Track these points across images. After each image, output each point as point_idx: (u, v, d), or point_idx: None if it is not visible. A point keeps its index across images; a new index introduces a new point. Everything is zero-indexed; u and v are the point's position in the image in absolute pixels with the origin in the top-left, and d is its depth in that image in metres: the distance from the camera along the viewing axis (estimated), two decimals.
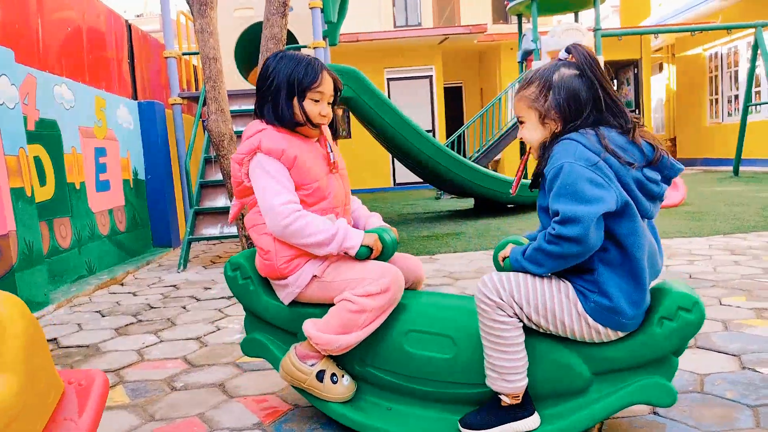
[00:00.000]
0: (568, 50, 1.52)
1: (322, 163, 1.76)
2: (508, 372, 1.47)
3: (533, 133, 1.53)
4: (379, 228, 1.77)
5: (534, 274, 1.48)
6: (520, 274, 1.50)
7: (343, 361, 1.72)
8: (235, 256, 1.85)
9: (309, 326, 1.64)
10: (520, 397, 1.50)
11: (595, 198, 1.35)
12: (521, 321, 1.48)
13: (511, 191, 1.68)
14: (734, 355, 2.10)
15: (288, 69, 1.70)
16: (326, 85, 1.74)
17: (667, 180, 1.49)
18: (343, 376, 1.69)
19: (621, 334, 1.47)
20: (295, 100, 1.71)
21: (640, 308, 1.44)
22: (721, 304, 2.75)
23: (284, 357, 1.71)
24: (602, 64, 8.20)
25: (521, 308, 1.46)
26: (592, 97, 1.45)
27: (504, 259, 1.56)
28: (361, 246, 1.67)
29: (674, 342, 1.44)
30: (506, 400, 1.50)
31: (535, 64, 8.95)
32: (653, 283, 1.52)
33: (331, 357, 1.70)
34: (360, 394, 1.72)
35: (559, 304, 1.45)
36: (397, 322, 1.67)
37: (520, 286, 1.47)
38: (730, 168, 11.06)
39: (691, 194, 7.61)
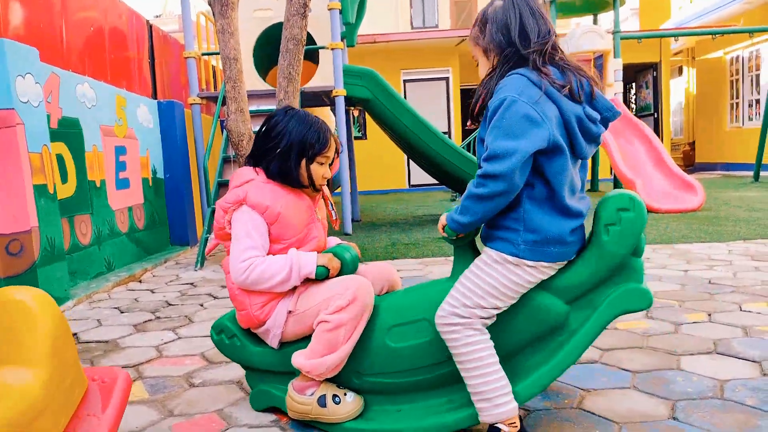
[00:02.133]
0: None
1: (304, 215, 1.81)
2: (496, 395, 1.47)
3: (483, 69, 1.58)
4: (335, 247, 1.84)
5: (459, 223, 1.50)
6: (456, 284, 1.54)
7: (341, 380, 1.75)
8: (216, 320, 1.93)
9: (297, 357, 1.68)
10: (518, 426, 1.50)
11: (524, 135, 1.38)
12: (489, 320, 1.51)
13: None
14: (755, 362, 2.08)
15: (301, 131, 1.78)
16: (332, 149, 1.83)
17: (605, 122, 1.52)
18: (345, 394, 1.71)
19: (562, 263, 1.51)
20: (304, 163, 1.78)
21: (571, 235, 1.47)
22: (741, 310, 2.72)
23: (286, 397, 1.75)
24: (620, 67, 8.10)
25: (482, 308, 1.49)
26: (522, 25, 1.48)
27: (444, 228, 1.58)
28: (318, 267, 1.72)
29: (626, 243, 1.48)
30: (504, 431, 1.49)
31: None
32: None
33: (329, 380, 1.73)
34: (367, 406, 1.75)
35: (498, 274, 1.48)
36: (376, 325, 1.71)
37: (463, 291, 1.51)
38: (751, 173, 10.91)
39: (711, 199, 7.53)
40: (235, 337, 1.88)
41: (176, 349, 2.61)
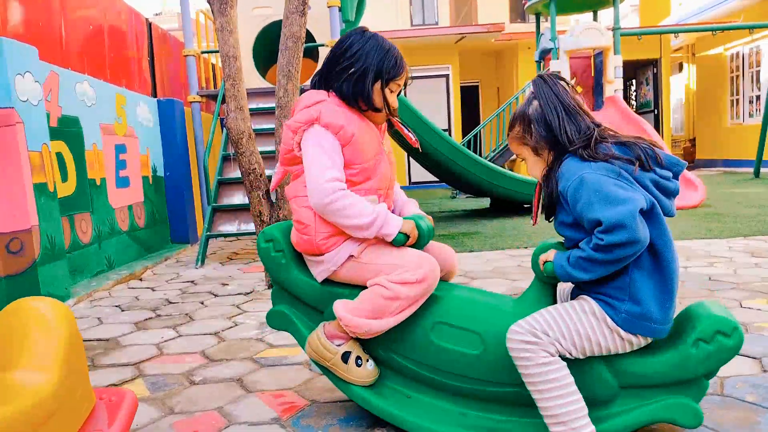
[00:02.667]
0: (534, 83, 1.55)
1: (374, 144, 1.74)
2: (573, 417, 1.40)
3: (535, 166, 1.57)
4: (415, 215, 1.76)
5: (563, 313, 1.45)
6: (543, 310, 1.47)
7: (367, 344, 1.71)
8: (268, 227, 1.83)
9: (340, 307, 1.63)
10: None
11: (628, 198, 1.34)
12: (563, 357, 1.45)
13: (532, 222, 1.67)
14: (755, 358, 2.08)
15: (379, 55, 1.71)
16: (404, 78, 1.78)
17: (676, 176, 1.49)
18: (367, 360, 1.69)
19: (650, 340, 1.46)
20: (378, 86, 1.71)
21: (669, 312, 1.43)
22: (741, 306, 2.72)
23: (312, 333, 1.71)
24: (620, 64, 8.08)
25: (559, 344, 1.42)
26: (562, 122, 1.48)
27: (545, 262, 1.51)
28: (399, 233, 1.66)
29: (708, 365, 1.43)
30: None
31: (553, 64, 8.90)
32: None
33: (357, 340, 1.69)
34: (381, 380, 1.72)
35: (590, 326, 1.43)
36: (426, 312, 1.65)
37: (549, 321, 1.44)
38: (751, 169, 10.90)
39: (711, 195, 7.52)
40: (282, 253, 1.80)
41: (177, 347, 2.61)
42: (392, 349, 1.70)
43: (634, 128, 8.09)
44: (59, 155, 4.01)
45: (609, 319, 1.42)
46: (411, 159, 12.04)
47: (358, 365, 1.67)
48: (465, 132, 14.14)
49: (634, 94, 15.74)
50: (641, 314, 1.40)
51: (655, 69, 14.29)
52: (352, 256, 1.68)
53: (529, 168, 1.59)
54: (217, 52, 5.74)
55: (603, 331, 1.43)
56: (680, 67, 16.49)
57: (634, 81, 15.62)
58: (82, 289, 3.87)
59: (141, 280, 4.38)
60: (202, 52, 6.31)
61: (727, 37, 12.61)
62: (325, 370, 1.73)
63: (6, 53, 3.22)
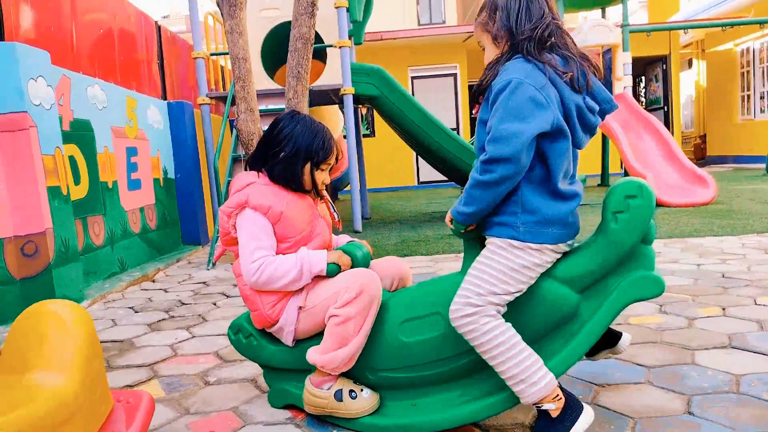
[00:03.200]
0: None
1: (306, 214, 1.83)
2: (530, 373, 1.46)
3: (490, 55, 1.59)
4: (346, 244, 1.86)
5: (464, 214, 1.51)
6: (467, 276, 1.54)
7: (356, 376, 1.77)
8: (234, 320, 1.96)
9: (311, 353, 1.70)
10: (562, 397, 1.49)
11: (529, 116, 1.38)
12: (502, 307, 1.51)
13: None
14: None
15: (308, 138, 1.81)
16: (334, 156, 1.87)
17: (603, 114, 1.54)
18: (362, 390, 1.73)
19: (564, 247, 1.52)
20: (307, 168, 1.81)
21: (571, 217, 1.49)
22: (756, 303, 2.70)
23: (303, 392, 1.77)
24: (629, 61, 8.05)
25: (495, 294, 1.49)
26: (525, 13, 1.50)
27: (451, 221, 1.59)
28: (329, 264, 1.75)
29: (635, 230, 1.47)
30: (551, 408, 1.48)
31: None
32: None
33: (345, 376, 1.75)
34: (382, 402, 1.76)
35: (505, 260, 1.49)
36: (387, 320, 1.72)
37: (474, 281, 1.51)
38: (763, 165, 10.81)
39: (723, 192, 7.47)
40: (252, 337, 1.91)
41: (190, 348, 2.63)
42: (377, 368, 1.75)
43: (644, 125, 8.05)
44: (72, 158, 4.04)
45: (513, 241, 1.48)
46: (420, 159, 12.03)
47: (353, 398, 1.71)
48: (473, 131, 14.10)
49: (644, 91, 15.65)
50: (538, 222, 1.47)
51: (664, 65, 14.20)
52: (300, 307, 1.76)
53: (486, 56, 1.61)
54: (226, 54, 5.77)
55: (516, 255, 1.48)
56: (690, 63, 16.37)
57: (643, 78, 15.52)
58: (96, 291, 3.90)
59: (153, 281, 4.41)
60: (211, 54, 6.34)
61: (737, 32, 12.51)
62: (333, 419, 1.75)
63: (19, 58, 3.26)
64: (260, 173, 1.85)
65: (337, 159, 1.90)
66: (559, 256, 1.54)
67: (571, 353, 1.53)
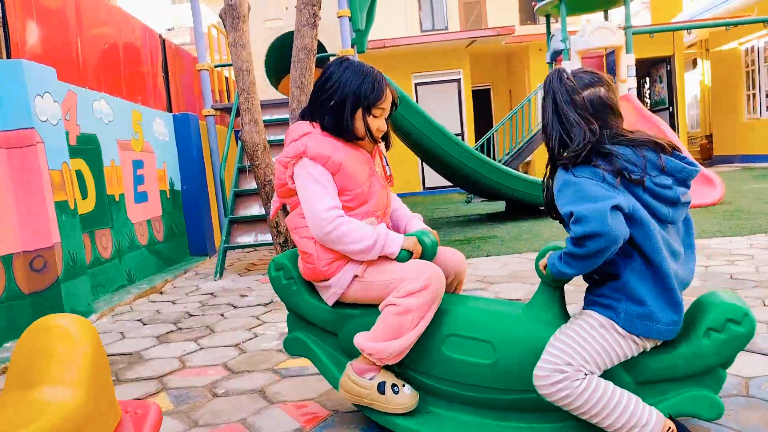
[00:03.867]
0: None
1: (365, 169, 1.77)
2: (638, 417, 1.39)
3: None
4: (419, 231, 1.79)
5: (579, 334, 1.45)
6: (553, 341, 1.46)
7: (386, 366, 1.71)
8: (278, 256, 1.89)
9: (360, 339, 1.65)
10: (671, 424, 1.43)
11: (601, 195, 1.37)
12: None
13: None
14: None
15: (355, 82, 1.72)
16: (388, 100, 1.77)
17: (683, 182, 1.46)
18: (404, 386, 1.68)
19: (659, 342, 1.45)
20: (359, 114, 1.73)
21: (674, 313, 1.41)
22: (765, 305, 2.69)
23: (342, 377, 1.72)
24: (633, 62, 8.01)
25: (586, 368, 1.42)
26: (555, 133, 1.49)
27: (545, 267, 1.54)
28: (401, 250, 1.69)
29: (722, 355, 1.41)
30: None
31: (565, 65, 8.87)
32: (689, 294, 1.51)
33: (388, 368, 1.70)
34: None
35: (603, 340, 1.42)
36: (437, 326, 1.67)
37: (565, 350, 1.43)
38: None
39: (730, 192, 7.43)
40: (293, 280, 1.85)
41: (199, 360, 2.64)
42: (406, 365, 1.71)
43: (649, 127, 8.02)
44: (79, 173, 4.08)
45: (616, 325, 1.42)
46: (425, 165, 12.04)
47: (396, 393, 1.66)
48: (478, 136, 14.12)
49: (649, 92, 15.61)
50: (642, 314, 1.40)
51: (668, 66, 14.17)
52: (356, 276, 1.71)
53: None
54: (230, 65, 5.81)
55: (616, 339, 1.42)
56: (694, 63, 16.32)
57: (647, 79, 15.49)
58: (104, 304, 3.93)
59: (161, 293, 4.43)
60: (216, 66, 6.39)
61: (741, 31, 12.47)
62: (365, 409, 1.72)
63: (25, 75, 3.30)
64: (314, 124, 1.77)
65: (394, 105, 1.81)
66: (654, 346, 1.46)
67: None
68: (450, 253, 1.86)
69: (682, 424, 1.47)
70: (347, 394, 1.71)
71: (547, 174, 1.57)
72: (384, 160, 1.88)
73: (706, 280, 3.24)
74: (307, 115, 1.81)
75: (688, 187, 1.48)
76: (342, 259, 1.72)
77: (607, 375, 1.47)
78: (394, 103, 1.81)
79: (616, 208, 1.35)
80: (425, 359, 1.69)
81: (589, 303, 1.51)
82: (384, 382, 1.66)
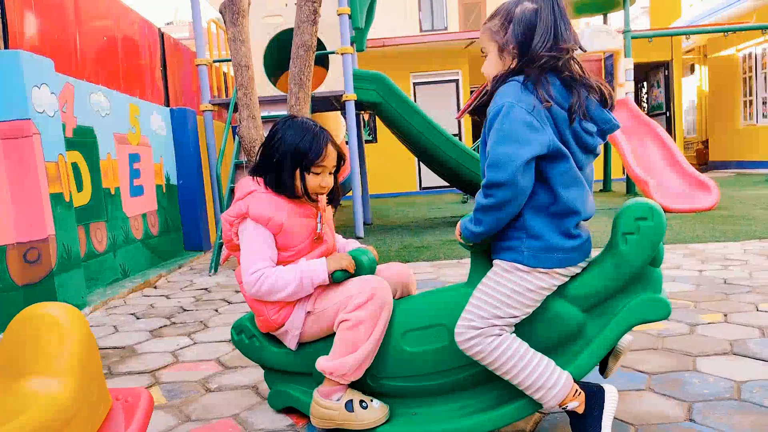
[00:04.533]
0: None
1: (308, 223, 1.81)
2: (546, 377, 1.46)
3: (491, 65, 1.55)
4: (355, 250, 1.85)
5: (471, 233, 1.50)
6: (470, 299, 1.53)
7: (356, 384, 1.74)
8: (237, 320, 1.96)
9: (320, 361, 1.69)
10: (581, 391, 1.49)
11: (523, 140, 1.38)
12: (511, 328, 1.51)
13: (456, 115, 1.69)
14: None
15: (295, 140, 1.76)
16: (329, 158, 1.80)
17: (603, 134, 1.52)
18: (372, 400, 1.71)
19: (574, 270, 1.51)
20: (298, 173, 1.77)
21: (578, 239, 1.47)
22: (757, 310, 2.70)
23: (311, 405, 1.74)
24: (631, 67, 8.04)
25: (498, 317, 1.48)
26: (549, 36, 1.45)
27: (460, 235, 1.58)
28: (336, 271, 1.73)
29: (644, 253, 1.46)
30: (576, 405, 1.49)
31: None
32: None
33: (354, 387, 1.73)
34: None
35: (510, 283, 1.48)
36: (393, 328, 1.72)
37: (478, 305, 1.50)
38: (765, 171, 10.80)
39: (725, 198, 7.46)
40: (255, 338, 1.91)
41: (192, 355, 2.64)
42: (378, 376, 1.74)
43: (646, 131, 8.05)
44: (75, 165, 4.06)
45: (518, 265, 1.47)
46: (422, 164, 12.05)
47: (364, 408, 1.69)
48: (475, 136, 14.13)
49: (646, 96, 15.65)
50: (543, 247, 1.45)
51: (666, 71, 14.21)
52: (308, 312, 1.75)
53: (485, 65, 1.56)
54: (229, 60, 5.80)
55: (522, 278, 1.47)
56: (692, 69, 16.38)
57: (645, 83, 15.53)
58: (98, 297, 3.91)
59: (155, 287, 4.42)
60: (214, 61, 6.37)
61: (739, 37, 12.52)
62: None
63: (23, 66, 3.28)
64: (259, 180, 1.82)
65: (340, 162, 1.84)
66: (567, 278, 1.52)
67: (576, 372, 1.53)
68: (393, 267, 1.93)
69: (592, 385, 1.52)
70: (318, 419, 1.73)
71: (502, 77, 1.51)
72: (319, 218, 1.86)
73: (700, 284, 3.26)
74: (254, 171, 1.86)
75: (605, 140, 1.53)
76: (288, 304, 1.77)
77: (555, 317, 1.53)
78: (341, 158, 1.85)
79: (532, 159, 1.39)
80: (392, 363, 1.72)
81: (495, 251, 1.55)
82: (351, 400, 1.69)
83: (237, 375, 2.33)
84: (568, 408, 1.49)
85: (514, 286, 1.48)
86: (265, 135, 4.64)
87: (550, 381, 1.46)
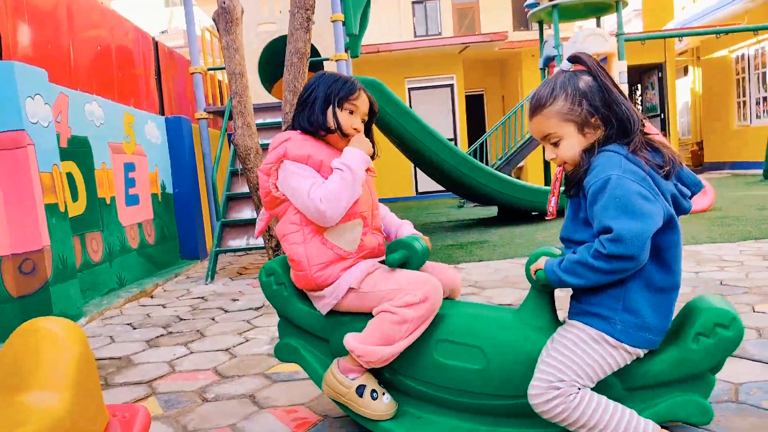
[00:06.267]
0: (572, 59, 1.49)
1: None
2: (634, 426, 1.38)
3: (574, 147, 1.45)
4: (409, 237, 1.78)
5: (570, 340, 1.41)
6: (545, 357, 1.43)
7: (375, 369, 1.71)
8: (269, 261, 1.88)
9: (350, 339, 1.64)
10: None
11: (646, 214, 1.29)
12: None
13: (548, 214, 1.65)
14: None
15: (328, 82, 1.79)
16: (362, 100, 1.80)
17: (691, 196, 1.47)
18: (384, 394, 1.69)
19: (647, 351, 1.44)
20: (330, 109, 1.76)
21: (665, 322, 1.41)
22: (754, 311, 2.70)
23: (327, 371, 1.73)
24: (625, 69, 8.06)
25: (579, 383, 1.40)
26: (610, 102, 1.42)
27: (537, 271, 1.49)
28: (389, 255, 1.70)
29: (711, 359, 1.41)
30: None
31: (558, 71, 8.89)
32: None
33: (372, 374, 1.71)
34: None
35: (596, 353, 1.40)
36: (429, 331, 1.66)
37: (558, 366, 1.40)
38: (760, 171, 10.84)
39: (720, 199, 7.48)
40: (284, 286, 1.83)
41: (189, 364, 2.62)
42: (397, 370, 1.71)
43: None
44: (69, 175, 4.05)
45: (608, 337, 1.39)
46: (418, 170, 12.06)
47: (374, 398, 1.67)
48: (471, 141, 14.16)
49: (640, 98, 15.72)
50: (637, 324, 1.38)
51: (660, 73, 14.27)
52: (352, 288, 1.70)
53: (562, 149, 1.46)
54: (223, 68, 5.80)
55: (608, 351, 1.40)
56: (685, 71, 16.45)
57: (639, 85, 15.60)
58: (94, 307, 3.89)
59: (152, 297, 4.41)
60: (209, 69, 6.37)
61: (732, 39, 12.59)
62: (345, 408, 1.73)
63: (16, 76, 3.28)
64: (294, 130, 1.81)
65: (372, 112, 1.84)
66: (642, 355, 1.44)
67: None
68: (446, 271, 1.86)
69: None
70: (328, 388, 1.72)
71: (592, 150, 1.42)
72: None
73: (697, 285, 3.26)
74: (292, 125, 1.85)
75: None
76: (334, 264, 1.71)
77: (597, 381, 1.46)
78: (372, 111, 1.84)
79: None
80: (417, 364, 1.68)
81: (579, 313, 1.46)
82: (364, 386, 1.67)
83: (234, 384, 2.32)
84: None
85: (599, 359, 1.40)
86: (261, 142, 4.64)
87: (639, 429, 1.38)
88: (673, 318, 1.45)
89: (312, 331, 1.83)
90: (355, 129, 1.79)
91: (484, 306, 1.76)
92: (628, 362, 1.43)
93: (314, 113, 1.76)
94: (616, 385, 1.48)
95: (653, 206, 1.32)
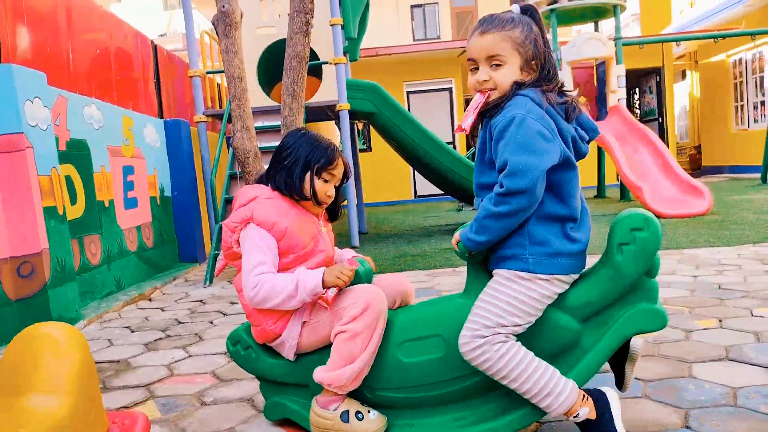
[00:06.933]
0: (523, 10, 1.56)
1: (311, 230, 1.83)
2: (553, 384, 1.47)
3: (511, 76, 1.51)
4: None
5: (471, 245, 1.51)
6: (473, 308, 1.53)
7: (354, 394, 1.74)
8: (233, 331, 1.95)
9: (318, 372, 1.69)
10: (588, 398, 1.50)
11: (543, 150, 1.40)
12: (513, 338, 1.51)
13: (456, 128, 1.67)
14: None
15: (309, 147, 1.83)
16: (339, 168, 1.86)
17: (589, 141, 1.58)
18: (369, 412, 1.71)
19: (573, 277, 1.52)
20: (308, 176, 1.80)
21: (579, 244, 1.49)
22: (752, 315, 2.70)
23: (310, 413, 1.75)
24: (623, 73, 8.13)
25: (503, 326, 1.48)
26: (548, 54, 1.54)
27: (458, 243, 1.56)
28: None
29: (640, 263, 1.47)
30: (587, 412, 1.49)
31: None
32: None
33: (352, 397, 1.74)
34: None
35: (513, 291, 1.48)
36: (388, 338, 1.71)
37: (481, 314, 1.50)
38: (758, 175, 10.86)
39: (718, 203, 7.49)
40: (251, 349, 1.89)
41: (187, 368, 2.62)
42: (375, 387, 1.74)
43: (639, 137, 8.09)
44: (68, 178, 4.05)
45: (520, 272, 1.48)
46: (416, 173, 12.07)
47: (360, 419, 1.69)
48: (469, 144, 14.17)
49: (638, 102, 15.75)
50: (547, 253, 1.47)
51: (658, 77, 14.30)
52: (305, 322, 1.76)
53: (503, 75, 1.51)
54: (222, 72, 5.81)
55: (525, 286, 1.48)
56: (683, 75, 16.50)
57: (637, 90, 15.63)
58: (92, 310, 3.89)
59: (150, 300, 4.40)
60: (208, 73, 6.38)
61: (730, 43, 12.63)
62: None
63: (15, 79, 3.28)
64: (262, 188, 1.85)
65: (345, 176, 1.90)
66: (567, 286, 1.53)
67: (575, 380, 1.52)
68: (392, 278, 1.93)
69: (593, 391, 1.53)
70: (316, 429, 1.74)
71: (521, 85, 1.51)
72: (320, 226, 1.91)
73: (695, 289, 3.26)
74: (262, 179, 1.90)
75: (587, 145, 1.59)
76: (286, 314, 1.77)
77: (552, 327, 1.53)
78: (345, 175, 1.90)
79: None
80: (388, 374, 1.71)
81: (495, 261, 1.55)
82: (347, 411, 1.70)
83: (232, 388, 2.32)
84: (579, 415, 1.49)
85: (517, 294, 1.48)
86: (260, 145, 4.65)
87: (557, 387, 1.46)
88: (586, 242, 1.53)
89: (291, 381, 1.86)
90: (328, 196, 1.85)
91: (432, 299, 1.81)
92: (557, 291, 1.50)
93: (292, 178, 1.80)
94: (570, 322, 1.54)
95: (551, 145, 1.42)
